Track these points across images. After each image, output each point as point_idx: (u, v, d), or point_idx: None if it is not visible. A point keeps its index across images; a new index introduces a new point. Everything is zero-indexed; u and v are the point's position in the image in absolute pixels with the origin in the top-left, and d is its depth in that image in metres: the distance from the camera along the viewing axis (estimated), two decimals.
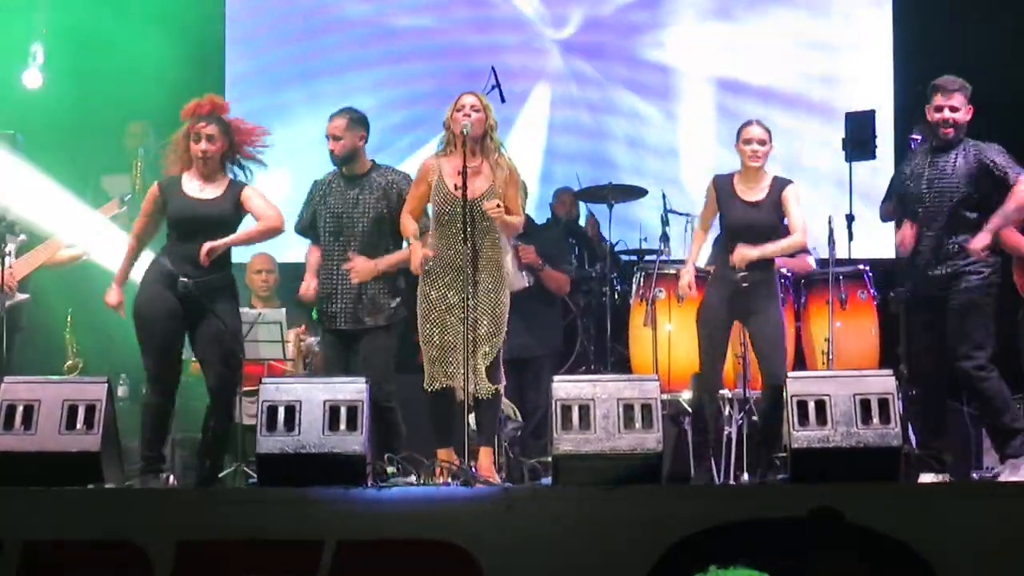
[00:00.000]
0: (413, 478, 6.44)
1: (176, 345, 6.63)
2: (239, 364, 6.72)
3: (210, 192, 6.66)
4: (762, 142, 6.92)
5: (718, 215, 7.05)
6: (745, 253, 6.78)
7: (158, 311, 6.54)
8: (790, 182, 6.98)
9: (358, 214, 6.98)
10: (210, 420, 6.61)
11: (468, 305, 6.44)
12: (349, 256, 6.91)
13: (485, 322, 6.55)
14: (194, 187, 6.67)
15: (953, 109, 6.73)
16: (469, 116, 6.55)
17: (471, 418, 6.45)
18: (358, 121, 7.05)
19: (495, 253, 6.62)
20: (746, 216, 6.91)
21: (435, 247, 6.60)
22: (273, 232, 6.76)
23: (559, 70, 10.76)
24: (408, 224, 6.70)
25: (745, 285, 6.79)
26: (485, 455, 6.55)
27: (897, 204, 6.98)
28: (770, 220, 6.92)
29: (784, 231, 6.95)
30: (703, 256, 8.48)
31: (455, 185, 6.48)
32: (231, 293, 6.72)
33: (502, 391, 6.69)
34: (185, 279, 6.51)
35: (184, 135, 6.73)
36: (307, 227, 7.19)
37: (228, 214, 6.66)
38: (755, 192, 6.92)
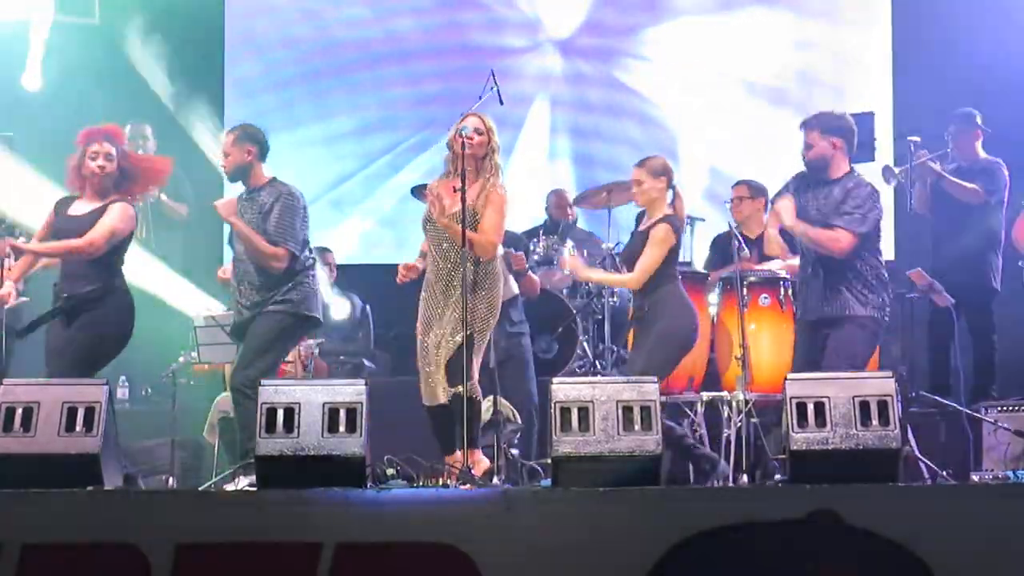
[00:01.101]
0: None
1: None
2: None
3: (87, 209, 6.88)
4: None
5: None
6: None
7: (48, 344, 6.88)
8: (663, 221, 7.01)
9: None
10: None
11: (466, 319, 6.49)
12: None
13: (450, 328, 6.62)
14: (77, 206, 6.93)
15: (807, 146, 6.89)
16: (472, 139, 6.58)
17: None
18: (246, 137, 7.10)
19: (484, 270, 6.67)
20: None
21: (429, 266, 6.74)
22: (72, 252, 6.84)
23: (557, 72, 10.79)
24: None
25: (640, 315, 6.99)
26: (472, 457, 6.54)
27: None
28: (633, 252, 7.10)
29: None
30: (699, 259, 8.52)
31: (432, 201, 6.61)
32: (105, 305, 6.86)
33: (470, 392, 6.56)
34: (65, 295, 6.81)
35: (79, 156, 6.92)
36: None
37: (85, 230, 6.82)
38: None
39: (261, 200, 7.03)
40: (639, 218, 7.15)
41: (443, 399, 6.59)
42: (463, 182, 6.48)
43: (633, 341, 7.17)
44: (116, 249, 6.91)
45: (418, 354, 6.75)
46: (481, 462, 6.57)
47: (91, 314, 6.82)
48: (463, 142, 6.52)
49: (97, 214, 6.84)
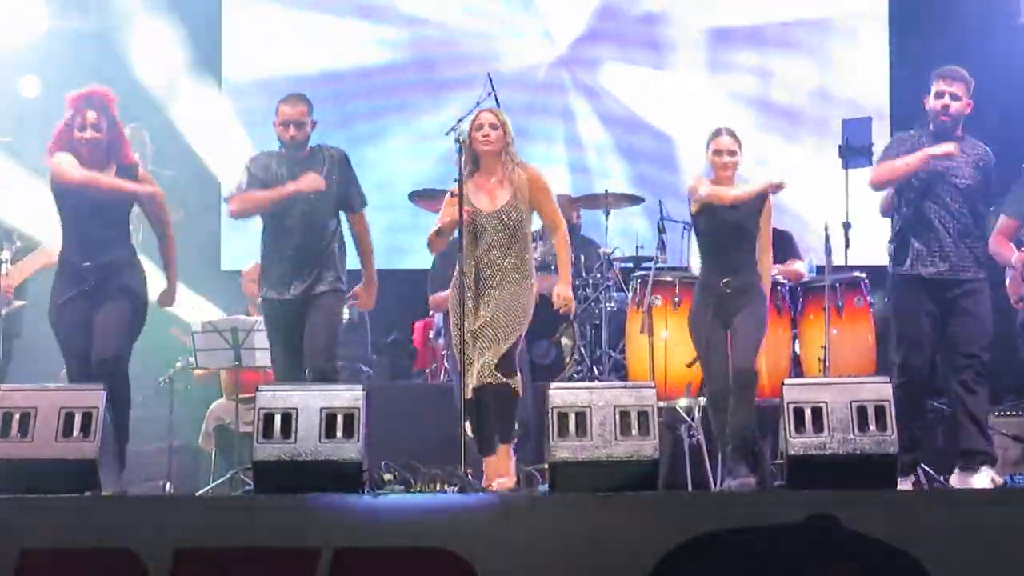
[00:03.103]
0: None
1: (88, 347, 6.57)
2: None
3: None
4: (732, 152, 6.78)
5: (699, 220, 6.88)
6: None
7: (60, 322, 6.60)
8: (768, 194, 6.85)
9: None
10: None
11: (462, 315, 6.47)
12: None
13: (503, 321, 6.55)
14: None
15: (954, 96, 6.70)
16: (488, 135, 6.61)
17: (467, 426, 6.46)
18: (311, 107, 6.93)
19: (524, 261, 6.67)
20: (721, 216, 6.74)
21: (462, 265, 6.61)
22: (144, 195, 6.78)
23: (557, 79, 10.80)
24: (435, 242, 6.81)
25: (728, 291, 6.68)
26: (502, 454, 6.53)
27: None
28: (747, 222, 6.78)
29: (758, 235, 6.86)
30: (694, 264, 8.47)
31: (481, 203, 6.58)
32: (137, 270, 6.73)
33: (516, 386, 6.55)
34: (87, 263, 6.54)
35: (68, 121, 6.66)
36: None
37: (123, 197, 6.67)
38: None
39: (325, 154, 6.90)
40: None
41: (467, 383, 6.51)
42: (460, 180, 6.49)
43: (710, 318, 6.75)
44: (128, 215, 6.80)
45: (462, 344, 6.56)
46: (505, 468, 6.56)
47: (122, 279, 6.62)
48: (481, 139, 6.60)
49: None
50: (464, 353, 6.43)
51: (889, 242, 6.99)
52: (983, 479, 6.57)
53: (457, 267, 6.62)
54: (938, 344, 6.79)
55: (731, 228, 6.74)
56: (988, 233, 7.01)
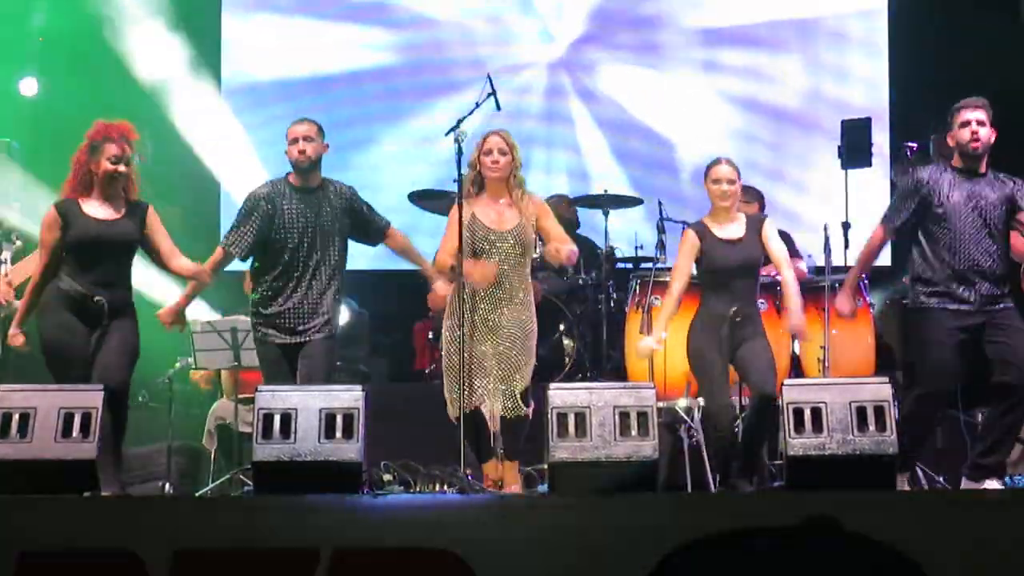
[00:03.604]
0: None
1: (87, 371, 6.46)
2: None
3: (112, 213, 6.56)
4: (731, 181, 6.71)
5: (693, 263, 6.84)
6: (799, 325, 6.75)
7: (68, 340, 6.45)
8: (765, 217, 6.85)
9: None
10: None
11: (463, 332, 6.46)
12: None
13: (516, 351, 6.55)
14: (95, 209, 6.55)
15: (980, 123, 6.56)
16: (498, 161, 6.63)
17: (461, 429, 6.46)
18: (323, 133, 6.86)
19: (526, 288, 6.68)
20: (732, 254, 6.69)
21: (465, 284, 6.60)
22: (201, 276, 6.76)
23: (556, 85, 10.82)
24: (443, 261, 6.71)
25: (738, 319, 6.58)
26: (510, 469, 6.58)
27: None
28: (755, 256, 6.74)
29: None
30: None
31: (491, 220, 6.57)
32: (133, 312, 6.65)
33: (530, 414, 6.63)
34: (99, 297, 6.43)
35: (85, 153, 6.58)
36: None
37: (133, 235, 6.59)
38: (732, 230, 6.74)
39: (334, 194, 6.81)
40: (701, 229, 6.90)
41: (483, 406, 6.51)
42: (459, 191, 6.50)
43: (716, 347, 6.63)
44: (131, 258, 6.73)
45: (453, 366, 6.57)
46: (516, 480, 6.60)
47: (127, 318, 6.56)
48: (489, 165, 6.62)
49: (136, 220, 6.59)
50: (462, 367, 6.45)
51: (912, 279, 6.85)
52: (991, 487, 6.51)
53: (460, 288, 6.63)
54: (968, 369, 6.61)
55: (737, 264, 6.71)
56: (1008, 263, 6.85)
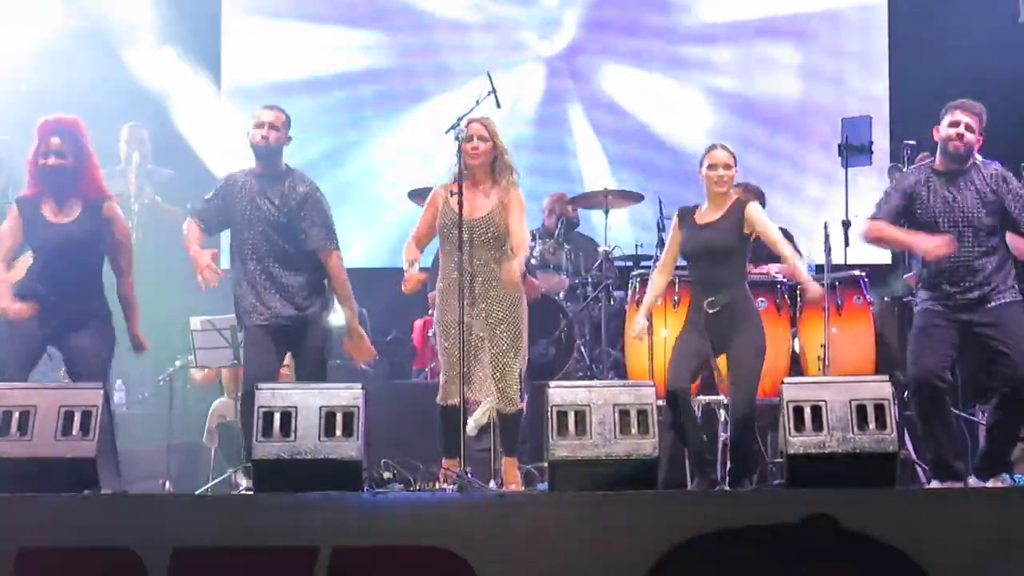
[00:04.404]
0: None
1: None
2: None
3: (66, 214, 6.52)
4: (727, 166, 6.65)
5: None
6: (817, 292, 6.78)
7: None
8: (749, 200, 6.71)
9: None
10: None
11: (462, 320, 6.45)
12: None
13: (507, 339, 6.57)
14: (49, 210, 6.52)
15: (968, 128, 6.54)
16: (478, 148, 6.60)
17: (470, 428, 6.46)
18: (289, 121, 6.81)
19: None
20: (699, 238, 6.64)
21: (444, 270, 6.64)
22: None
23: (552, 82, 10.82)
24: (410, 252, 6.71)
25: (712, 312, 6.51)
26: (510, 466, 6.58)
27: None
28: (724, 240, 6.59)
29: (745, 251, 6.69)
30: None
31: (464, 208, 6.53)
32: (102, 317, 6.60)
33: (524, 407, 6.66)
34: (54, 298, 6.43)
35: (33, 153, 6.53)
36: None
37: (90, 234, 6.52)
38: (711, 214, 6.68)
39: (288, 188, 6.73)
40: (686, 215, 6.86)
41: (476, 397, 6.53)
42: (460, 189, 6.50)
43: (689, 329, 6.64)
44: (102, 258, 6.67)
45: (447, 354, 6.60)
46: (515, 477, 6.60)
47: (100, 324, 6.57)
48: (469, 151, 6.59)
49: (87, 222, 6.50)
50: (463, 353, 6.45)
51: (917, 277, 6.85)
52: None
53: (442, 271, 6.66)
54: (967, 363, 6.68)
55: (701, 248, 6.64)
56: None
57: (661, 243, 8.17)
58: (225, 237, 7.02)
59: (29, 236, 6.57)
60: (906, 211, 6.61)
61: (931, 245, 6.46)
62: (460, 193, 6.50)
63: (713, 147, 6.74)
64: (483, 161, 6.64)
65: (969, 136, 6.53)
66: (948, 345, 6.50)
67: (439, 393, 6.61)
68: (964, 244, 6.51)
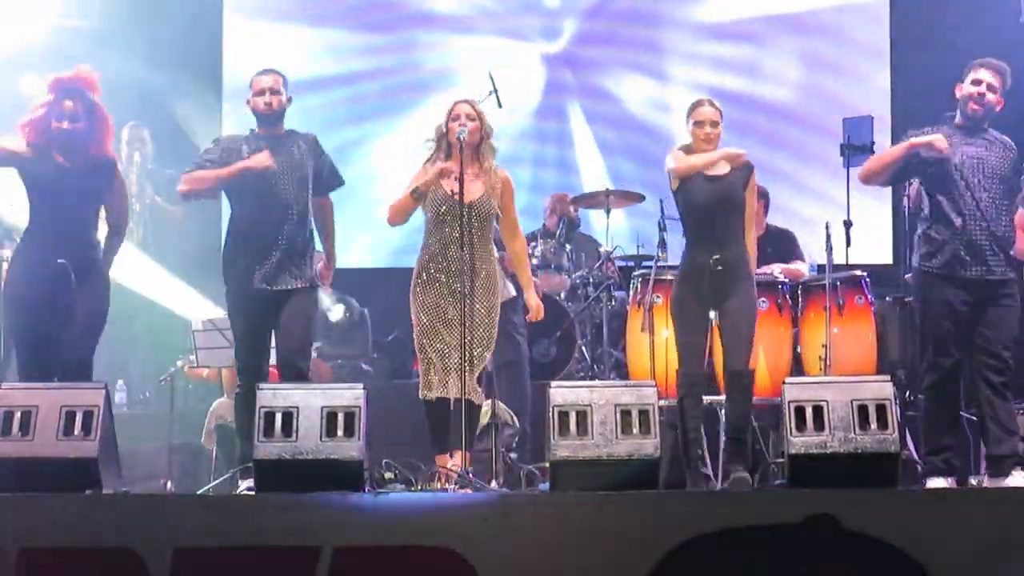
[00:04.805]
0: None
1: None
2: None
3: (67, 160, 6.48)
4: (714, 123, 6.62)
5: (679, 196, 6.73)
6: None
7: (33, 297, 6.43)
8: (753, 167, 6.71)
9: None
10: None
11: (465, 310, 6.44)
12: None
13: (480, 330, 6.57)
14: (58, 158, 6.49)
15: (991, 87, 6.58)
16: (465, 125, 6.59)
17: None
18: (286, 83, 6.87)
19: (491, 262, 6.70)
20: (714, 189, 6.58)
21: (431, 251, 6.65)
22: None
23: (556, 81, 10.82)
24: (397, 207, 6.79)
25: (719, 269, 6.49)
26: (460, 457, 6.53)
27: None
28: (737, 193, 6.61)
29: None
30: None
31: (451, 190, 6.51)
32: (101, 273, 6.61)
33: (482, 402, 6.71)
34: (62, 260, 6.41)
35: (46, 111, 6.47)
36: None
37: (99, 185, 6.56)
38: (716, 167, 6.62)
39: (294, 145, 6.81)
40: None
41: (441, 394, 6.54)
42: (461, 169, 6.50)
43: (697, 300, 6.59)
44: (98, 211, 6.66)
45: (422, 345, 6.65)
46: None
47: (97, 280, 6.57)
48: (460, 129, 6.59)
49: (91, 176, 6.51)
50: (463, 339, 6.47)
51: (916, 236, 6.82)
52: (1017, 481, 6.43)
53: (425, 243, 6.70)
54: (965, 344, 6.63)
55: (716, 200, 6.57)
56: (1013, 230, 6.84)
57: (663, 243, 8.18)
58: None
59: (34, 170, 6.48)
60: (919, 160, 6.62)
61: (924, 140, 6.53)
62: (461, 193, 6.49)
63: (699, 103, 6.72)
64: (470, 140, 6.63)
65: (990, 96, 6.56)
66: (956, 339, 6.60)
67: (421, 385, 6.64)
68: (980, 206, 6.52)
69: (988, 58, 6.62)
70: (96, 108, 6.56)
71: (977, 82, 6.56)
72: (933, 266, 6.61)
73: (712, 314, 6.61)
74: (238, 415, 6.69)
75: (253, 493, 5.96)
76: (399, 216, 6.79)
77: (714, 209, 6.59)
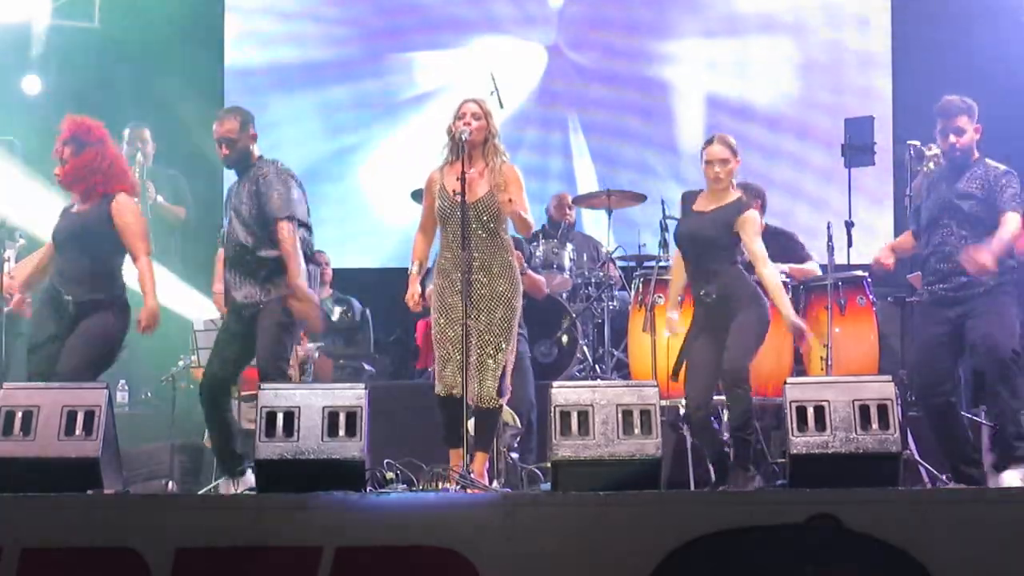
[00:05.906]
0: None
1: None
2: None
3: (80, 205, 6.80)
4: (724, 161, 6.66)
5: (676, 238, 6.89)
6: (796, 323, 6.70)
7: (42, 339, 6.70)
8: (748, 208, 6.71)
9: None
10: None
11: (466, 309, 6.43)
12: None
13: (495, 330, 6.53)
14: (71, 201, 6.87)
15: (957, 131, 6.65)
16: (470, 124, 6.58)
17: (470, 424, 6.45)
18: (250, 120, 6.84)
19: (505, 256, 6.63)
20: (689, 224, 6.73)
21: (444, 252, 6.62)
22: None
23: (557, 88, 10.83)
24: (417, 248, 6.76)
25: (710, 301, 6.61)
26: (480, 460, 6.53)
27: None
28: (713, 233, 6.64)
29: (732, 244, 6.69)
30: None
31: (453, 190, 6.50)
32: (113, 309, 6.74)
33: (504, 403, 6.63)
34: (69, 298, 6.65)
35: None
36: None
37: (95, 226, 6.71)
38: (709, 203, 6.73)
39: (253, 178, 6.78)
40: (688, 199, 6.91)
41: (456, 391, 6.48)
42: (463, 168, 6.47)
43: (694, 329, 6.75)
44: (119, 251, 6.82)
45: (439, 342, 6.59)
46: (482, 473, 6.56)
47: (99, 316, 6.69)
48: (463, 128, 6.56)
49: (102, 206, 6.73)
50: (464, 352, 6.43)
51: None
52: (1012, 477, 6.49)
53: (441, 256, 6.66)
54: (960, 357, 6.74)
55: (690, 237, 6.72)
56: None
57: (665, 243, 8.18)
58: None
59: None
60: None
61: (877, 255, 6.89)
62: (463, 193, 6.48)
63: (710, 142, 6.79)
64: (475, 139, 6.61)
65: (962, 139, 6.63)
66: (945, 363, 6.75)
67: (436, 383, 6.57)
68: (961, 235, 6.62)
69: (943, 100, 6.69)
70: (87, 151, 6.75)
71: (944, 132, 6.70)
72: (922, 295, 6.86)
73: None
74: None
75: (254, 493, 5.96)
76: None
77: (688, 244, 6.75)
